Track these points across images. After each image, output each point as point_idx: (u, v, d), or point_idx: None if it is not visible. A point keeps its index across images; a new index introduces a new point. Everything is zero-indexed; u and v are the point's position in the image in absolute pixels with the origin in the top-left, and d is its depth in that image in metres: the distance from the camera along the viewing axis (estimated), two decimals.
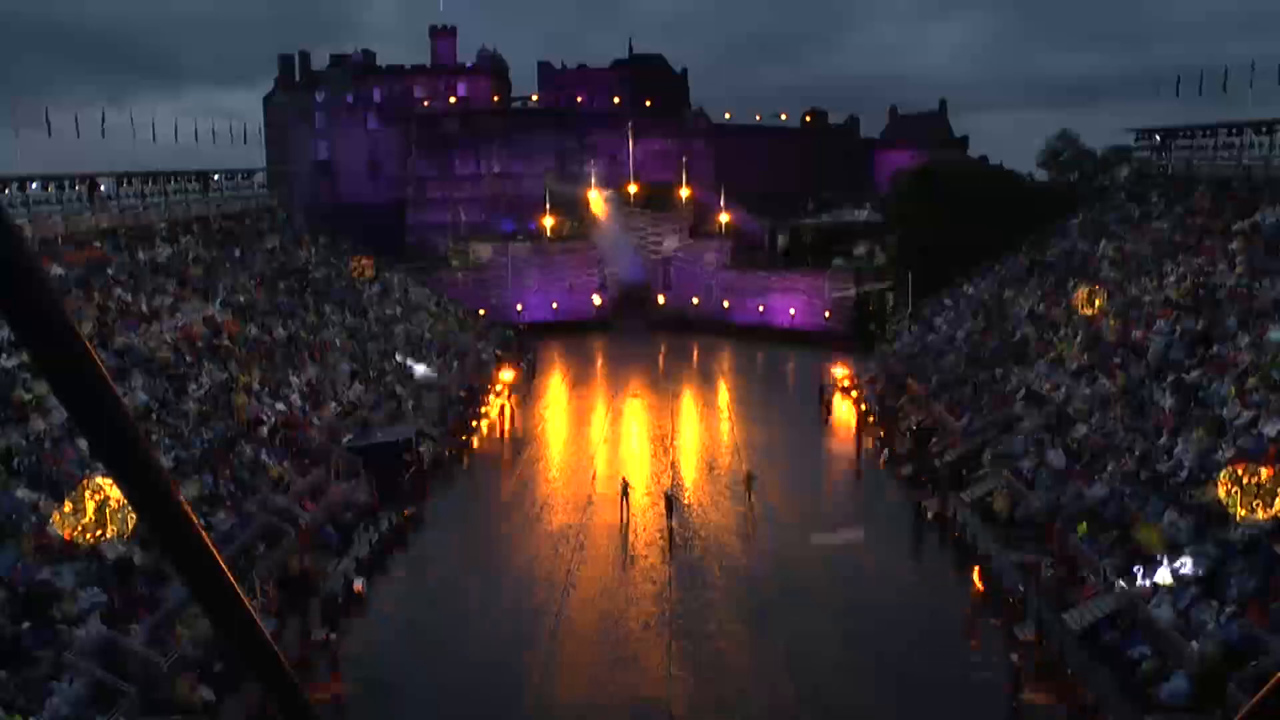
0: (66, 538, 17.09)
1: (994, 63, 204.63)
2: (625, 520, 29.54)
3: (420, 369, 41.31)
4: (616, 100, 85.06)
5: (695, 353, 60.43)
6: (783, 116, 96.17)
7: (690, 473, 35.22)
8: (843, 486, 34.25)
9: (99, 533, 16.28)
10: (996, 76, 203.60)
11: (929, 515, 29.71)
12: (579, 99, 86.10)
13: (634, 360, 57.21)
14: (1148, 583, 20.84)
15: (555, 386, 53.58)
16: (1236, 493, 17.66)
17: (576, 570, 27.19)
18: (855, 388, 45.53)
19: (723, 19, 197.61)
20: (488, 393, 45.79)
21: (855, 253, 69.09)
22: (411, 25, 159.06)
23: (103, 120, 45.90)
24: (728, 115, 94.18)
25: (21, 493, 21.63)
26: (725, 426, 42.51)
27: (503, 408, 44.59)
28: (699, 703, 20.42)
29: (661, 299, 69.34)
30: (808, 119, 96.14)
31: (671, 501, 29.89)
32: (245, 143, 56.87)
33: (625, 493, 30.09)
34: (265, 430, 31.34)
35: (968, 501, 29.30)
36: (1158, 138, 48.67)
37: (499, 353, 54.94)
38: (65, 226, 36.93)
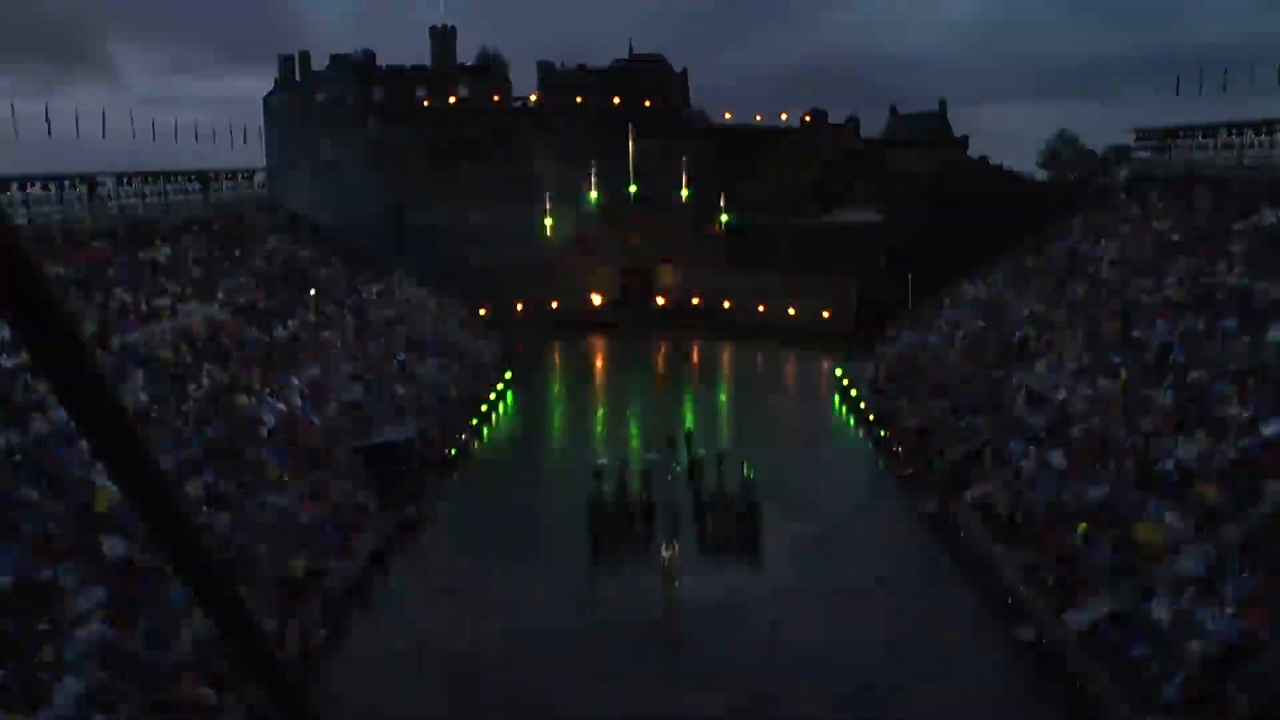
0: None
1: (995, 48, 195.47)
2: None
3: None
4: (616, 100, 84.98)
5: (695, 352, 60.45)
6: (783, 116, 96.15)
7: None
8: (843, 486, 34.23)
9: None
10: (998, 62, 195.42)
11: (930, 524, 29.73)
12: (579, 99, 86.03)
13: (634, 360, 57.24)
14: (1147, 583, 20.84)
15: (556, 386, 53.59)
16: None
17: (577, 570, 27.20)
18: (855, 387, 45.54)
19: None
20: (488, 392, 45.82)
21: (856, 253, 69.06)
22: (359, 23, 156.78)
23: (103, 120, 45.95)
24: (727, 115, 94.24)
25: (23, 491, 21.62)
26: (726, 426, 42.53)
27: (503, 407, 44.64)
28: (697, 702, 20.41)
29: (661, 299, 69.33)
30: (807, 119, 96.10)
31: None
32: (245, 142, 56.93)
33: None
34: (265, 430, 31.34)
35: (968, 501, 29.31)
36: (1158, 138, 48.68)
37: (498, 353, 54.98)
38: (64, 226, 36.96)
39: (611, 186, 73.71)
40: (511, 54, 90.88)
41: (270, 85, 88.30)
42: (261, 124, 75.44)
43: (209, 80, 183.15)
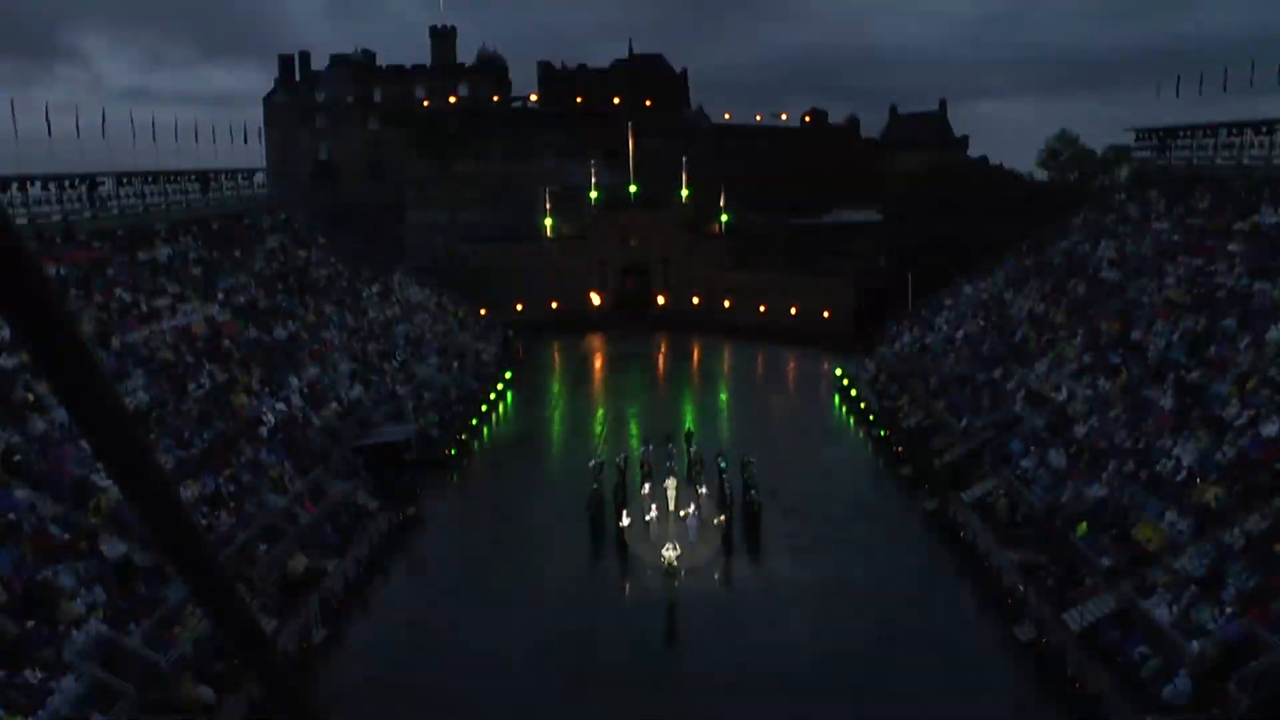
0: None
1: (995, 42, 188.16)
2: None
3: None
4: (616, 100, 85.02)
5: (696, 352, 60.46)
6: (783, 116, 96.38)
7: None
8: (843, 486, 34.20)
9: None
10: (998, 58, 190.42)
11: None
12: (579, 99, 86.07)
13: (634, 360, 57.25)
14: (1148, 582, 20.86)
15: (556, 386, 53.60)
16: None
17: (578, 570, 27.19)
18: (855, 387, 45.55)
19: None
20: (488, 392, 45.85)
21: (856, 252, 69.17)
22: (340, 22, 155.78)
23: (103, 121, 45.90)
24: (727, 115, 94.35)
25: (21, 493, 21.63)
26: (726, 426, 42.51)
27: (503, 407, 44.68)
28: (698, 701, 20.41)
29: (661, 299, 69.35)
30: (807, 119, 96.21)
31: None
32: (246, 142, 56.82)
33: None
34: (265, 430, 31.35)
35: (967, 501, 29.31)
36: (1157, 138, 48.67)
37: (498, 353, 55.02)
38: (65, 227, 36.95)
39: (611, 187, 73.69)
40: (511, 54, 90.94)
41: (253, 80, 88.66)
42: (252, 122, 75.35)
43: (189, 75, 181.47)
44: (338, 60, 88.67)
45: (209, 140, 53.01)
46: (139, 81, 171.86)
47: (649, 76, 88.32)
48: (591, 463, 32.84)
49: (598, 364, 59.97)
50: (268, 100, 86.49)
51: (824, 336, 58.87)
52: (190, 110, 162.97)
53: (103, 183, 40.83)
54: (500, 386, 47.54)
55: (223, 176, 51.85)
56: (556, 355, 59.62)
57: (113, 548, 21.48)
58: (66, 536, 21.19)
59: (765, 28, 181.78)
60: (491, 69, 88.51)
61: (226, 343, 36.14)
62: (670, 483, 31.19)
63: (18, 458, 22.76)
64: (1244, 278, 31.15)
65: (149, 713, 18.13)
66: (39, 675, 17.22)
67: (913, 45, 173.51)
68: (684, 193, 71.94)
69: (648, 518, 29.31)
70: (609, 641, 22.94)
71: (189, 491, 24.89)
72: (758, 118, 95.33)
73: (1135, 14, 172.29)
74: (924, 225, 60.89)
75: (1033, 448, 29.69)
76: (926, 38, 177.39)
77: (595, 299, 69.15)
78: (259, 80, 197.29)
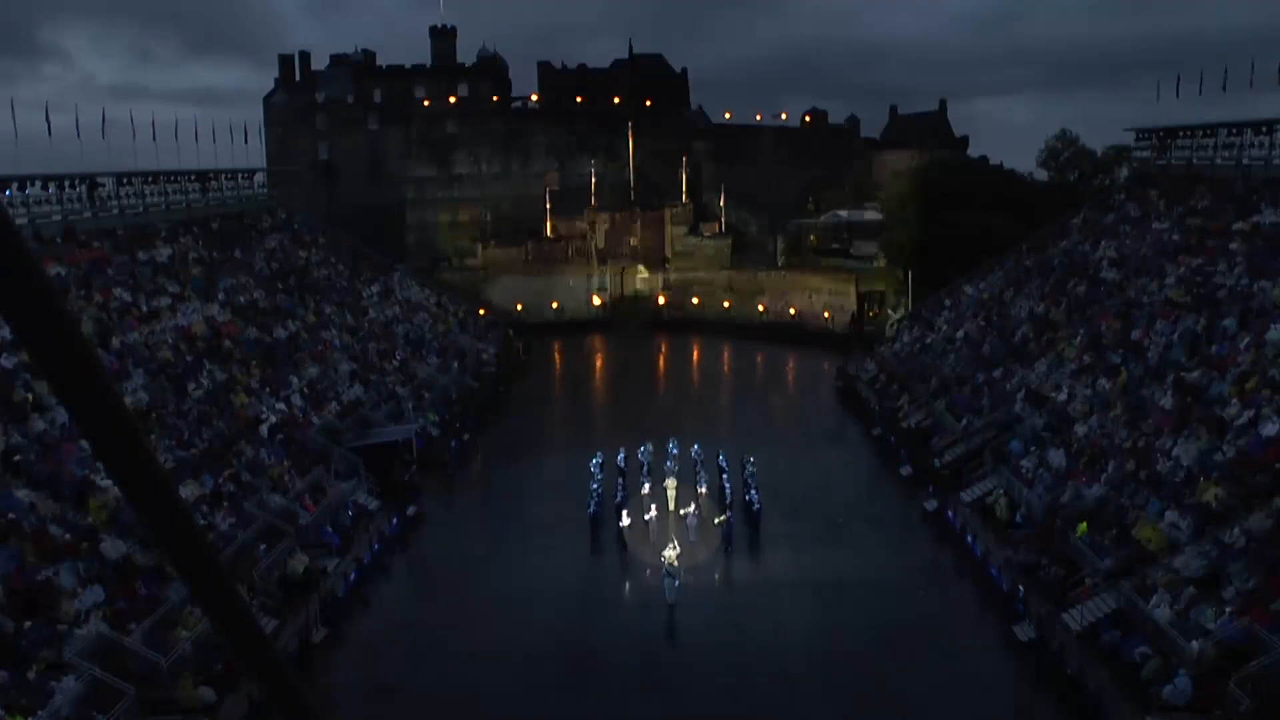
0: None
1: (995, 38, 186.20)
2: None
3: None
4: (616, 100, 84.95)
5: (696, 352, 60.45)
6: (783, 116, 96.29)
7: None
8: (842, 485, 34.20)
9: None
10: (998, 54, 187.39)
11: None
12: (579, 99, 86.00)
13: (633, 359, 57.25)
14: (1148, 582, 20.85)
15: (555, 386, 53.58)
16: None
17: (578, 570, 27.17)
18: (855, 387, 45.54)
19: None
20: (488, 392, 45.81)
21: (855, 252, 69.19)
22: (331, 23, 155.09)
23: (103, 120, 45.87)
24: (727, 115, 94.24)
25: (21, 493, 21.63)
26: (726, 425, 42.48)
27: (503, 406, 44.66)
28: (697, 701, 20.40)
29: (661, 299, 69.35)
30: (807, 119, 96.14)
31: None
32: (246, 142, 56.74)
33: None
34: (265, 430, 31.33)
35: (967, 501, 29.31)
36: (1157, 138, 48.64)
37: (498, 353, 54.98)
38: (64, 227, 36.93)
39: (611, 186, 73.70)
40: (511, 54, 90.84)
41: (244, 77, 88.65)
42: (245, 119, 75.19)
43: (177, 72, 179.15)
44: (338, 60, 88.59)
45: (208, 140, 52.92)
46: (126, 79, 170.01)
47: (649, 76, 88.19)
48: (592, 462, 32.83)
49: (598, 364, 59.97)
50: (268, 100, 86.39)
51: (824, 336, 58.88)
52: (180, 108, 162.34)
53: (103, 183, 40.83)
54: (500, 386, 47.52)
55: (223, 176, 51.85)
56: (557, 355, 59.62)
57: (113, 548, 21.48)
58: (66, 536, 21.18)
59: (762, 24, 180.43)
60: (491, 69, 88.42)
61: (226, 343, 36.13)
62: (670, 483, 31.23)
63: (18, 458, 22.75)
64: (1244, 278, 31.15)
65: (149, 713, 18.12)
66: (39, 675, 17.22)
67: (909, 41, 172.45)
68: (684, 193, 71.97)
69: (647, 518, 29.34)
70: (609, 641, 22.94)
71: (189, 491, 24.88)
72: (757, 117, 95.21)
73: (1135, 12, 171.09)
74: (923, 225, 60.87)
75: (1033, 448, 29.68)
76: (925, 34, 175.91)
77: (595, 299, 69.16)
78: (249, 77, 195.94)
